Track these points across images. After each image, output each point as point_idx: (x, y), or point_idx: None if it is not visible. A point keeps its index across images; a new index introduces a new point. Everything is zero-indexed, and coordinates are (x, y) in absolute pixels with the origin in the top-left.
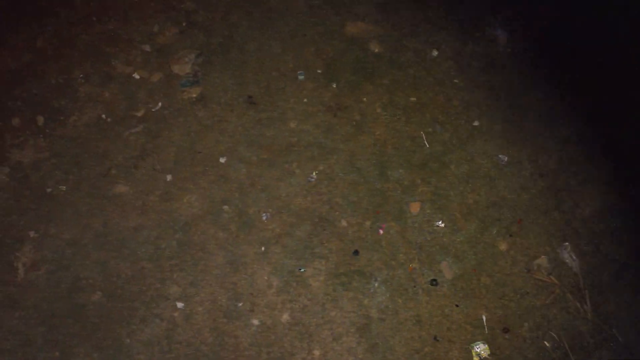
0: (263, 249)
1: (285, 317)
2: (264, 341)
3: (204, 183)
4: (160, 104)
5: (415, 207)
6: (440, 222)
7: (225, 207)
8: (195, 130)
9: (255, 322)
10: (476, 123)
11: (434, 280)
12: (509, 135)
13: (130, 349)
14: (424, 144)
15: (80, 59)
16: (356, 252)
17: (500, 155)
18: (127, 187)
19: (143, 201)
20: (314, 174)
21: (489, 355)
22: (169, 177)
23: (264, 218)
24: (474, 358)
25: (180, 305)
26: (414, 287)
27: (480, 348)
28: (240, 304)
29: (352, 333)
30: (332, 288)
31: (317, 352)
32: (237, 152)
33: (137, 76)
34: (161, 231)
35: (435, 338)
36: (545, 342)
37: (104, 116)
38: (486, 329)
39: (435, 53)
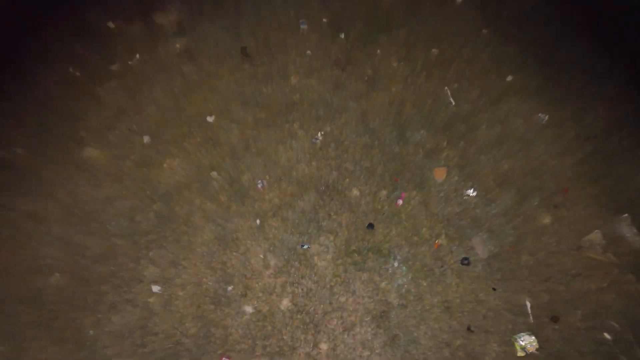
0: (258, 222)
1: (286, 303)
2: (259, 332)
3: (189, 146)
4: (138, 56)
5: (440, 174)
6: (470, 191)
7: (214, 174)
8: (179, 87)
9: (249, 309)
10: (509, 78)
11: (466, 259)
12: (548, 93)
13: (95, 342)
14: (449, 101)
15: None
16: (371, 226)
17: (539, 115)
18: (98, 151)
19: (117, 167)
20: (319, 135)
21: (536, 349)
22: (147, 139)
23: (260, 186)
24: (518, 353)
25: (157, 289)
26: (442, 267)
27: (526, 341)
28: (231, 288)
29: (367, 323)
30: (343, 268)
31: (324, 346)
32: (229, 112)
33: (112, 25)
34: (137, 202)
35: (468, 328)
36: (605, 334)
37: (72, 70)
38: (531, 317)
39: (459, 0)
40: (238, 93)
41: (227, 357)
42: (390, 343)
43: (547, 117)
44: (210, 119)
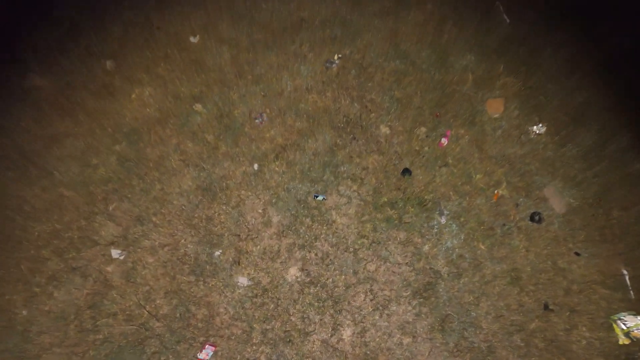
0: (256, 167)
1: (294, 272)
2: (257, 312)
3: (164, 72)
4: None
5: (495, 107)
6: (537, 128)
7: (198, 107)
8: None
9: (243, 281)
10: None
11: (536, 214)
12: None
13: (29, 326)
14: (503, 19)
15: None
16: (407, 172)
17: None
18: (45, 81)
19: (68, 98)
20: (335, 58)
21: None
22: (109, 64)
23: (259, 122)
24: (620, 340)
25: (117, 253)
26: (504, 225)
27: (630, 323)
28: (219, 253)
29: (407, 299)
30: (371, 227)
31: (347, 331)
32: (217, 31)
33: None
34: (94, 141)
35: (546, 307)
36: None
37: None
38: (631, 291)
39: None
40: (228, 8)
41: (211, 345)
42: (440, 326)
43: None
44: (193, 39)
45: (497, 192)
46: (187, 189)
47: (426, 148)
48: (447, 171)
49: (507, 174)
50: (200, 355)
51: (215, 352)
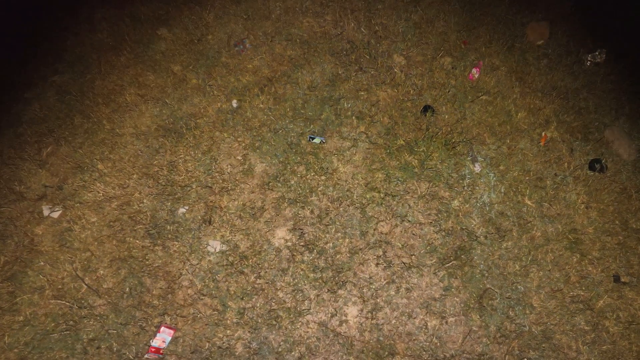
0: (235, 103)
1: (282, 235)
2: (233, 286)
3: None
4: None
5: (539, 32)
6: (593, 55)
7: (163, 31)
8: None
9: (215, 245)
10: None
11: (596, 162)
12: None
13: None
14: None
15: None
16: (428, 110)
17: None
18: None
19: None
20: None
21: None
22: None
23: (239, 50)
24: None
25: (48, 210)
26: (557, 175)
27: None
28: (184, 210)
29: (431, 268)
30: (383, 176)
31: (352, 309)
32: None
33: None
34: (28, 70)
35: (617, 279)
36: None
37: None
38: None
39: None
40: None
41: (169, 328)
42: (477, 304)
43: None
44: None
45: (545, 134)
46: (146, 129)
47: (452, 81)
48: (480, 109)
49: (557, 112)
50: (154, 342)
51: (174, 338)
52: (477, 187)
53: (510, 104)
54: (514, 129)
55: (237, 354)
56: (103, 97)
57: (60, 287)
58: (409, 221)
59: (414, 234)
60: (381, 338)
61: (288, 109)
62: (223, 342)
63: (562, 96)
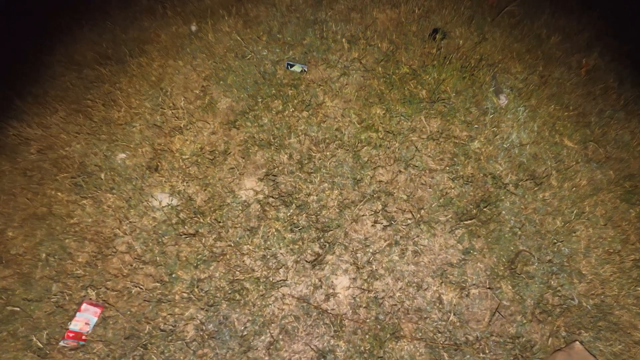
0: (194, 27)
1: (252, 185)
2: (186, 251)
3: None
4: None
5: None
6: None
7: None
8: None
9: (163, 198)
10: None
11: None
12: None
13: None
14: None
15: None
16: (438, 33)
17: None
18: None
19: None
20: None
21: None
22: None
23: None
24: None
25: None
26: (603, 111)
27: None
28: (124, 155)
29: (445, 225)
30: (382, 112)
31: (343, 282)
32: None
33: None
34: None
35: None
36: None
37: None
38: None
39: None
40: None
41: (93, 305)
42: (507, 271)
43: None
44: None
45: (586, 61)
46: (80, 58)
47: (468, 1)
48: (503, 32)
49: (600, 34)
50: (74, 325)
51: (103, 319)
52: (503, 125)
53: (540, 25)
54: (546, 56)
55: (186, 338)
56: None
57: None
58: (416, 167)
59: (422, 184)
60: (381, 316)
61: (261, 33)
62: (168, 324)
63: (605, 17)
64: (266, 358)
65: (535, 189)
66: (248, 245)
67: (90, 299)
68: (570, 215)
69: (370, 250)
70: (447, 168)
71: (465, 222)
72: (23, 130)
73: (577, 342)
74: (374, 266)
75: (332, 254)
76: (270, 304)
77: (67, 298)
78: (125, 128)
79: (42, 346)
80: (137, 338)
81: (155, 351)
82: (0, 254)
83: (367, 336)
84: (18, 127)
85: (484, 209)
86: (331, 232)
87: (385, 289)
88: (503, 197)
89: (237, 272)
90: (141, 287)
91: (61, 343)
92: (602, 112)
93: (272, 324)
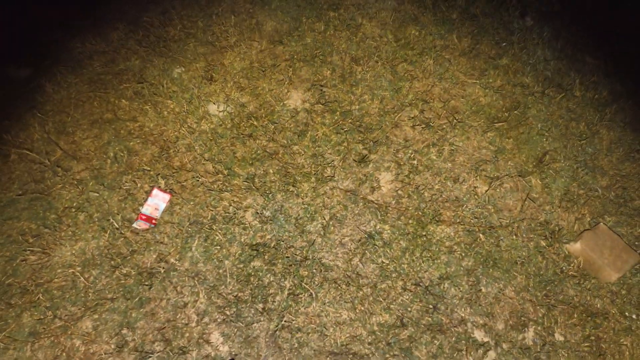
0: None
1: (298, 97)
2: (242, 150)
3: None
4: None
5: None
6: None
7: None
8: None
9: (217, 107)
10: None
11: None
12: None
13: None
14: None
15: None
16: None
17: None
18: None
19: None
20: None
21: None
22: None
23: None
24: None
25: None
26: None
27: None
28: (180, 71)
29: (477, 129)
30: (417, 31)
31: (386, 177)
32: None
33: None
34: None
35: None
36: None
37: None
38: None
39: None
40: None
41: (163, 192)
42: (535, 168)
43: None
44: None
45: None
46: None
47: None
48: None
49: None
50: (145, 209)
51: (170, 207)
52: (529, 43)
53: None
54: None
55: (246, 223)
56: None
57: (28, 148)
58: (449, 80)
59: (455, 95)
60: (422, 204)
61: None
62: (229, 211)
63: None
64: (319, 239)
65: (560, 98)
66: (298, 147)
67: (159, 187)
68: (593, 120)
69: (410, 151)
70: (478, 81)
71: (496, 126)
72: (86, 48)
73: (602, 224)
74: (414, 163)
75: (375, 153)
76: (321, 195)
77: (137, 186)
78: (180, 45)
79: (117, 227)
80: (201, 224)
81: (219, 232)
82: (74, 152)
83: (410, 221)
84: (81, 46)
85: (514, 115)
86: (374, 134)
87: (424, 182)
88: (531, 105)
89: (289, 168)
90: (202, 180)
91: (134, 225)
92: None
93: (323, 211)
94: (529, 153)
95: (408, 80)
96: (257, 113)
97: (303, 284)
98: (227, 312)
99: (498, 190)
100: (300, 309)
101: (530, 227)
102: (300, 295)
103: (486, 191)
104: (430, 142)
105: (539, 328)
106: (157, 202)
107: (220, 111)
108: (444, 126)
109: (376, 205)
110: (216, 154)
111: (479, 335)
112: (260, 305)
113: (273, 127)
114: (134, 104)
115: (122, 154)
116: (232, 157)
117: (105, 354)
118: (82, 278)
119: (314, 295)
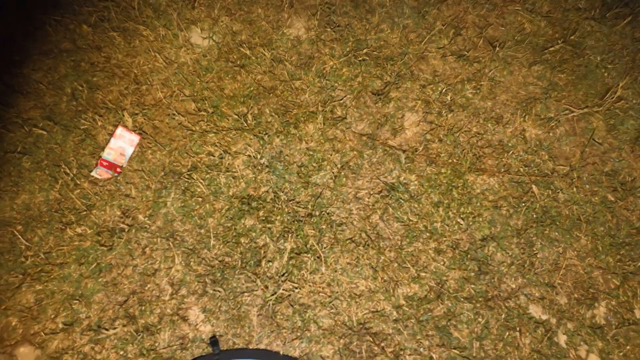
0: None
1: (301, 25)
2: (230, 82)
3: None
4: None
5: None
6: None
7: None
8: None
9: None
10: None
11: None
12: None
13: None
14: None
15: None
16: None
17: None
18: None
19: None
20: None
21: None
22: None
23: None
24: None
25: None
26: None
27: None
28: None
29: (522, 60)
30: None
31: (411, 118)
32: None
33: None
34: None
35: None
36: None
37: None
38: None
39: None
40: None
41: (129, 132)
42: (597, 107)
43: None
44: None
45: None
46: None
47: None
48: None
49: None
50: (107, 154)
51: (140, 149)
52: None
53: None
54: None
55: (235, 172)
56: None
57: None
58: (485, 6)
59: (493, 22)
60: (457, 150)
61: None
62: (214, 158)
63: None
64: (327, 192)
65: (624, 23)
66: (300, 82)
67: (126, 126)
68: None
69: (441, 86)
70: (521, 6)
71: (545, 57)
72: None
73: None
74: (446, 100)
75: (397, 90)
76: (330, 139)
77: (98, 125)
78: None
79: (72, 175)
80: (179, 173)
81: (201, 183)
82: (20, 87)
83: (442, 170)
84: None
85: (566, 45)
86: (394, 68)
87: (459, 124)
88: (587, 34)
89: (290, 107)
90: (183, 117)
91: (93, 173)
92: None
93: (333, 159)
94: (587, 90)
95: (435, 6)
96: (252, 42)
97: (308, 245)
98: (210, 282)
99: (552, 133)
100: (304, 276)
101: (593, 177)
102: (305, 260)
103: (537, 135)
104: (465, 76)
105: (613, 303)
106: (122, 144)
107: (204, 38)
108: (481, 58)
109: (400, 152)
110: (199, 90)
111: (535, 311)
112: (252, 272)
113: (270, 55)
114: (97, 31)
115: (81, 90)
116: (219, 95)
117: (50, 333)
118: (22, 239)
119: (322, 259)
